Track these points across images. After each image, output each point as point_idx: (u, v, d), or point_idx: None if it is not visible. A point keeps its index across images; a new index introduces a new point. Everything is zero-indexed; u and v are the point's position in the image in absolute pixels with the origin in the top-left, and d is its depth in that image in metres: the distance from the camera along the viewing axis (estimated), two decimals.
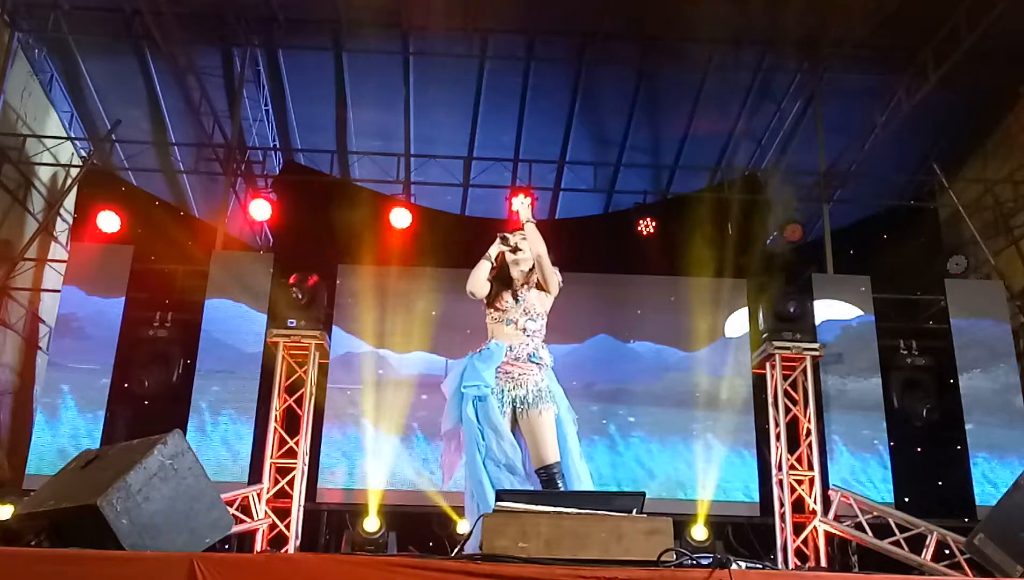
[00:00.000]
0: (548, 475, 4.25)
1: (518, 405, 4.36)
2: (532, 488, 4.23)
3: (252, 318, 9.19)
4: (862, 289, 9.66)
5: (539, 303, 4.53)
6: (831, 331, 9.47)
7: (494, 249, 4.53)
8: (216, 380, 8.99)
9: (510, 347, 4.43)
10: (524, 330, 4.46)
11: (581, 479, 4.34)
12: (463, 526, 4.29)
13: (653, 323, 9.87)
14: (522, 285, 4.53)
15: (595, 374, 9.60)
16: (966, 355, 9.44)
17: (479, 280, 4.48)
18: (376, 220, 9.87)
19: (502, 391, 4.37)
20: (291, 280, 8.85)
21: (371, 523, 8.61)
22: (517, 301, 4.49)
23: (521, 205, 4.69)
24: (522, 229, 4.58)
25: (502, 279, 4.55)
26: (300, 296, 8.81)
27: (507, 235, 4.56)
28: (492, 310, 4.54)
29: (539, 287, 4.56)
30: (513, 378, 4.38)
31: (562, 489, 4.19)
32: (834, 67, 10.00)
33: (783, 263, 9.70)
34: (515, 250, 4.54)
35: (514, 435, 4.39)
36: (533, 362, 4.42)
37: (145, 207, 10.29)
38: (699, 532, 8.72)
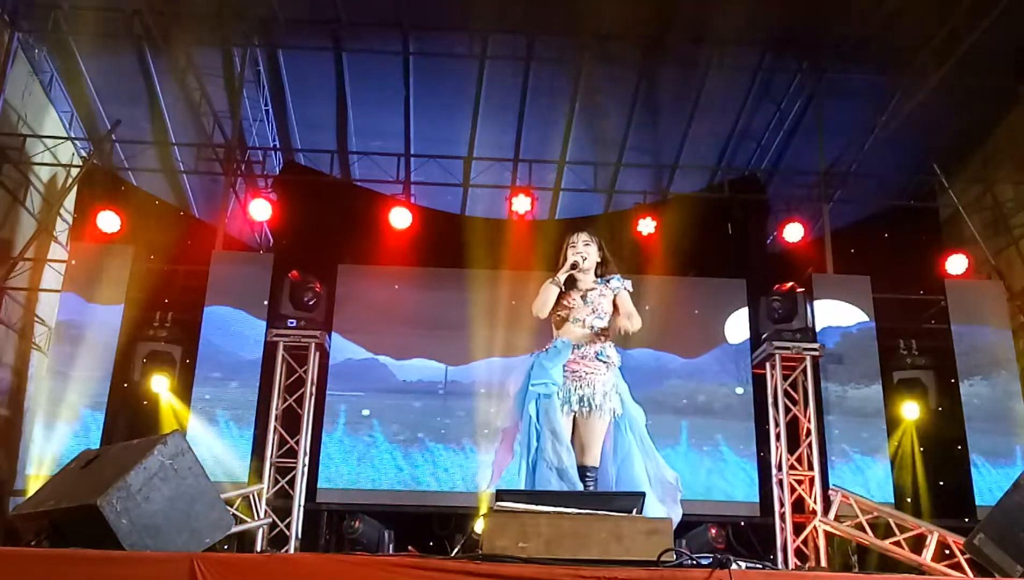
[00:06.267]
0: (581, 477, 4.25)
1: (583, 405, 4.32)
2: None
3: (251, 324, 9.16)
4: (862, 289, 9.64)
5: (606, 302, 4.51)
6: (831, 337, 9.44)
7: (563, 275, 4.46)
8: (216, 382, 8.99)
9: (577, 346, 4.39)
10: (591, 328, 4.43)
11: (634, 482, 4.31)
12: (480, 525, 4.31)
13: (653, 326, 9.84)
14: (590, 289, 4.49)
15: None
16: (967, 361, 9.40)
17: (547, 305, 4.42)
18: (376, 220, 9.88)
19: (568, 390, 4.33)
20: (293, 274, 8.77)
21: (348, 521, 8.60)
22: (585, 302, 4.46)
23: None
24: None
25: (566, 280, 4.50)
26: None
27: (577, 260, 4.49)
28: (557, 309, 4.48)
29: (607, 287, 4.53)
30: (580, 377, 4.35)
31: None
32: (834, 67, 9.98)
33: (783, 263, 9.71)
34: (581, 262, 4.50)
35: (573, 434, 4.36)
36: (600, 361, 4.40)
37: (145, 207, 10.27)
38: None
